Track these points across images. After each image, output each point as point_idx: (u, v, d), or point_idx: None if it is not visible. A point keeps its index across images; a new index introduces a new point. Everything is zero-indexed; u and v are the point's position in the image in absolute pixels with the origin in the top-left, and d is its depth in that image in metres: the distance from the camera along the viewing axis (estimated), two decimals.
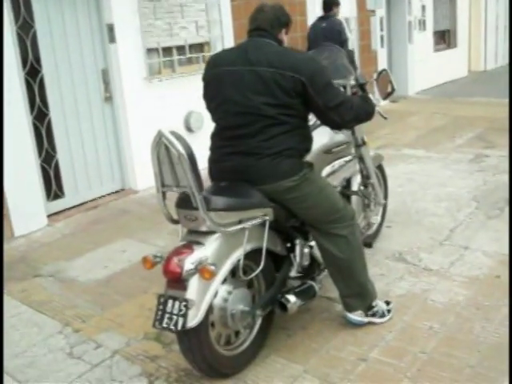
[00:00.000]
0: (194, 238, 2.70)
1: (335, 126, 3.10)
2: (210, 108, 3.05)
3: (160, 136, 2.49)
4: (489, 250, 4.11)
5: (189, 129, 6.56)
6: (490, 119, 8.81)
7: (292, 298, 3.02)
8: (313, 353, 3.04)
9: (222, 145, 2.95)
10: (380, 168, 4.37)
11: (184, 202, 2.64)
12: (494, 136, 7.63)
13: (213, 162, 3.00)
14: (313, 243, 3.21)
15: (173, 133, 2.50)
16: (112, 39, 5.80)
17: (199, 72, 6.62)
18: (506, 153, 6.68)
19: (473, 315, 3.29)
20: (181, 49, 6.59)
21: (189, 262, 2.55)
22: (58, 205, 5.56)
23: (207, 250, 2.62)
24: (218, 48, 6.85)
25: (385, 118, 3.81)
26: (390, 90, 3.59)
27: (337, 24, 7.64)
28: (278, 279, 3.04)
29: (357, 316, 3.20)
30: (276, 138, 2.81)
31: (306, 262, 3.22)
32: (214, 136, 3.02)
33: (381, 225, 4.39)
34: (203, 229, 2.66)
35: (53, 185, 5.52)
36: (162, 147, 2.51)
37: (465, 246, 4.19)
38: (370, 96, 3.27)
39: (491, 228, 4.52)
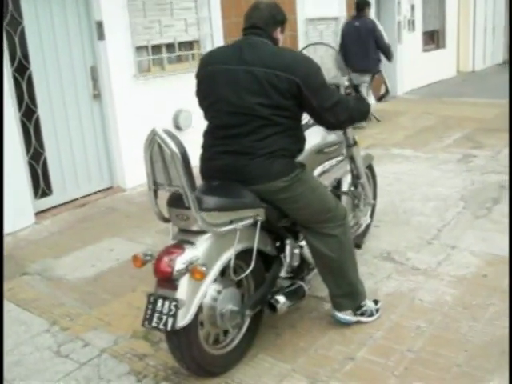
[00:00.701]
0: (185, 237, 2.68)
1: (330, 126, 3.07)
2: (202, 106, 3.03)
3: (153, 134, 2.48)
4: (476, 249, 4.13)
5: (178, 127, 6.54)
6: (478, 120, 8.86)
7: (281, 298, 3.02)
8: (301, 352, 3.05)
9: (214, 143, 2.93)
10: (370, 168, 4.38)
11: (176, 201, 2.62)
12: (482, 136, 7.68)
13: (204, 160, 2.98)
14: (303, 243, 3.20)
15: (166, 131, 2.49)
16: (101, 36, 5.77)
17: (188, 70, 6.70)
18: (494, 153, 6.74)
19: (460, 314, 3.31)
20: (170, 47, 6.58)
21: (180, 262, 2.54)
22: (45, 202, 5.53)
23: (198, 250, 2.61)
24: (207, 46, 6.86)
25: (378, 121, 3.81)
26: (383, 91, 3.59)
27: (369, 23, 8.35)
28: (268, 279, 3.04)
29: (345, 315, 3.21)
30: (269, 139, 2.79)
31: (296, 263, 3.22)
32: (207, 134, 3.00)
33: (369, 225, 4.40)
34: (194, 228, 2.64)
35: (40, 182, 5.49)
36: (155, 145, 2.50)
37: (452, 246, 4.21)
38: (364, 96, 3.27)
39: (478, 228, 4.55)
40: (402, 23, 11.63)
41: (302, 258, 3.25)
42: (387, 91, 3.57)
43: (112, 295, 3.80)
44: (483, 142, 7.35)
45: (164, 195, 2.72)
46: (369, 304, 3.28)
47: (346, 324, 3.22)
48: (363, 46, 8.14)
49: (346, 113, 2.94)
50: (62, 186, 5.70)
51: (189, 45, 6.86)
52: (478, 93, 11.53)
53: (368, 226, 4.34)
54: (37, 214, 5.34)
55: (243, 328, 2.99)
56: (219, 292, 2.77)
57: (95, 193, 6.00)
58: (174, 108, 6.55)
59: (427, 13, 13.06)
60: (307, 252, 3.18)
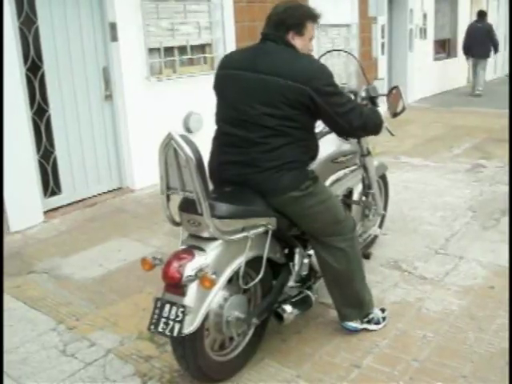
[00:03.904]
0: (195, 242, 2.65)
1: (344, 132, 3.04)
2: (216, 107, 2.99)
3: (169, 138, 2.44)
4: (483, 260, 4.12)
5: (188, 129, 6.56)
6: (487, 129, 8.85)
7: (288, 308, 3.00)
8: (306, 358, 3.05)
9: (221, 151, 2.91)
10: (383, 178, 4.37)
11: (188, 206, 2.60)
12: (492, 147, 7.67)
13: (212, 168, 2.92)
14: (311, 252, 3.18)
15: (183, 136, 2.45)
16: (114, 38, 5.80)
17: (200, 73, 6.74)
18: (503, 164, 6.72)
19: (466, 325, 3.30)
20: (182, 49, 6.60)
21: (189, 268, 2.51)
22: (54, 201, 5.55)
23: (208, 257, 2.58)
24: (219, 50, 6.88)
25: (392, 135, 3.78)
26: (400, 108, 3.57)
27: (487, 25, 12.38)
28: (275, 287, 3.02)
29: (352, 323, 3.20)
30: (277, 151, 2.75)
31: (305, 272, 3.20)
32: (215, 140, 2.98)
33: (377, 235, 4.36)
34: (205, 234, 2.62)
35: (50, 181, 5.52)
36: (170, 149, 2.46)
37: (460, 256, 4.20)
38: (380, 111, 3.23)
39: (486, 238, 4.54)
40: (414, 31, 11.62)
41: (310, 267, 3.22)
42: (404, 108, 3.55)
43: (119, 295, 3.81)
44: (492, 153, 7.33)
45: (176, 199, 2.72)
46: (376, 312, 3.28)
47: (352, 331, 3.22)
48: (482, 40, 12.05)
49: (359, 119, 2.87)
50: (72, 186, 5.72)
51: (201, 48, 6.87)
52: (488, 103, 11.50)
53: (376, 236, 4.31)
54: (46, 212, 5.37)
55: (248, 335, 2.97)
56: (226, 299, 2.75)
57: (104, 193, 6.02)
58: (184, 110, 6.57)
59: (439, 21, 13.06)
60: (315, 261, 3.16)
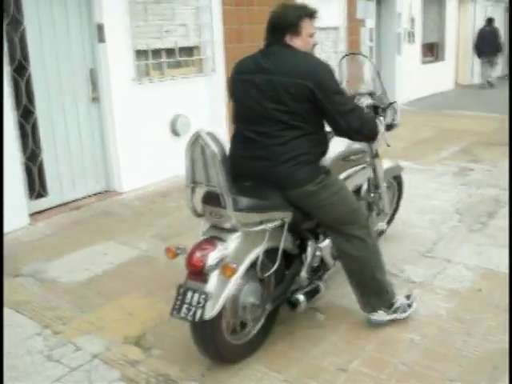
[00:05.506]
0: (217, 233, 2.85)
1: (341, 132, 3.08)
2: (232, 109, 3.22)
3: (197, 136, 2.66)
4: (470, 263, 4.13)
5: (175, 132, 6.52)
6: (475, 133, 8.89)
7: (301, 297, 3.18)
8: (294, 362, 3.03)
9: (239, 147, 3.08)
10: (397, 178, 4.54)
11: (211, 199, 2.80)
12: (479, 150, 7.70)
13: (233, 164, 2.95)
14: (323, 245, 3.36)
15: (209, 134, 2.66)
16: (101, 39, 5.76)
17: (188, 76, 6.71)
18: (491, 167, 6.75)
19: (454, 329, 3.30)
20: (170, 51, 6.56)
21: (212, 258, 2.70)
22: (40, 204, 5.50)
23: (229, 247, 2.78)
24: (207, 52, 6.85)
25: (388, 146, 3.86)
26: (394, 121, 3.70)
27: (496, 29, 14.56)
28: (288, 277, 3.22)
29: (379, 316, 3.28)
30: (290, 143, 2.92)
31: (316, 264, 3.37)
32: (233, 138, 3.16)
33: (383, 231, 4.44)
34: (227, 226, 2.81)
35: (36, 183, 5.47)
36: (197, 147, 2.67)
37: (447, 259, 4.21)
38: (378, 121, 3.36)
39: (473, 242, 4.55)
40: (402, 35, 11.66)
41: (321, 259, 3.39)
42: (396, 123, 3.71)
43: (105, 299, 3.78)
44: (480, 156, 7.36)
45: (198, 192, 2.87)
46: (400, 300, 3.36)
47: (379, 325, 3.28)
48: (490, 41, 14.27)
49: (358, 121, 2.99)
50: (58, 188, 5.67)
51: (189, 50, 6.84)
52: (476, 106, 11.56)
53: (383, 232, 4.39)
54: (31, 215, 5.32)
55: (261, 321, 3.12)
56: (243, 285, 2.93)
57: (91, 196, 5.98)
58: (171, 113, 6.53)
59: (427, 25, 13.12)
60: (326, 253, 3.36)
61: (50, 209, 5.57)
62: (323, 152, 3.11)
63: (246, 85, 3.01)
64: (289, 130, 2.92)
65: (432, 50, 13.93)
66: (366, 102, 3.62)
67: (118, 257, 4.41)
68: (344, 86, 3.64)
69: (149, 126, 6.32)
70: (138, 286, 3.94)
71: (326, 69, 2.94)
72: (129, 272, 4.19)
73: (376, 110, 3.63)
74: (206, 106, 6.85)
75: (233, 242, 2.80)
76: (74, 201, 5.80)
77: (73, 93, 5.70)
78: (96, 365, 3.04)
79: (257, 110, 2.95)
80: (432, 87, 13.34)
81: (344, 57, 3.91)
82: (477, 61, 15.21)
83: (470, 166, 6.86)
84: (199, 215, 2.94)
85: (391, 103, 3.70)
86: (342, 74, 3.80)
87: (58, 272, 4.21)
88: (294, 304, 3.17)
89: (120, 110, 6.01)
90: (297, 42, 2.99)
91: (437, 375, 2.88)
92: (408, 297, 3.45)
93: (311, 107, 2.90)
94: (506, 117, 9.07)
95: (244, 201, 2.78)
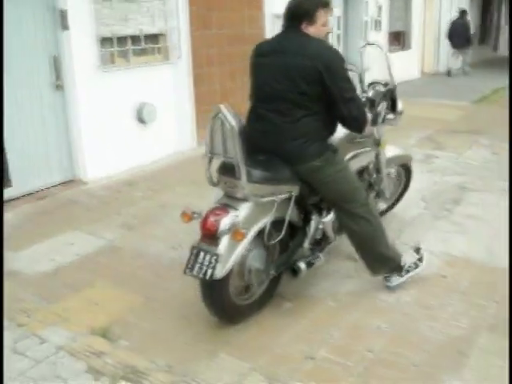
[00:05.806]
0: (230, 202, 3.10)
1: (340, 118, 3.25)
2: (250, 88, 3.40)
3: (217, 112, 2.92)
4: (436, 250, 4.18)
5: (141, 120, 6.44)
6: (440, 121, 8.99)
7: (303, 265, 3.43)
8: (261, 350, 3.04)
9: (254, 123, 3.26)
10: (405, 167, 4.71)
11: (226, 170, 3.08)
12: (444, 137, 7.79)
13: (248, 138, 3.12)
14: (326, 219, 3.57)
15: (229, 110, 2.92)
16: (65, 26, 5.64)
17: (154, 63, 6.63)
18: (456, 155, 6.85)
19: (419, 314, 3.35)
20: (136, 39, 6.46)
21: (224, 223, 2.94)
22: (4, 194, 5.39)
23: (240, 214, 3.02)
24: (173, 39, 6.77)
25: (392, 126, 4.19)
26: (386, 117, 4.03)
27: (467, 22, 14.97)
28: (292, 246, 3.46)
29: (394, 281, 3.58)
30: (300, 121, 3.15)
31: (319, 237, 3.61)
32: (249, 114, 3.35)
33: (384, 211, 4.72)
34: (239, 195, 3.07)
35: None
36: (218, 121, 2.94)
37: (413, 246, 4.24)
38: (369, 115, 3.55)
39: (439, 228, 4.61)
40: (369, 23, 11.70)
41: (323, 232, 3.62)
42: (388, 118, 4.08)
43: (71, 290, 3.73)
44: (445, 143, 7.45)
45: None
46: (408, 259, 3.65)
47: (396, 288, 3.56)
48: (462, 34, 14.64)
49: (357, 110, 3.21)
50: (22, 178, 5.56)
51: (155, 37, 6.75)
52: (441, 94, 11.69)
53: (382, 213, 4.60)
54: None
55: (264, 285, 3.37)
56: (250, 251, 3.18)
57: (56, 185, 5.88)
58: (137, 101, 6.44)
59: (393, 14, 13.18)
60: (328, 227, 3.60)
61: (15, 199, 5.47)
62: (331, 132, 3.32)
63: (262, 66, 3.27)
64: (299, 109, 3.13)
65: (398, 39, 14.02)
66: (370, 92, 3.90)
67: (84, 247, 4.36)
68: (363, 73, 4.01)
69: (114, 114, 6.23)
70: (105, 276, 3.90)
71: (336, 54, 3.17)
72: (95, 262, 4.14)
73: (372, 102, 3.83)
74: (172, 94, 6.78)
75: (244, 210, 3.05)
76: (38, 191, 5.70)
77: (36, 81, 5.58)
78: (62, 357, 3.01)
79: (270, 89, 3.18)
80: (398, 75, 13.41)
81: (364, 46, 4.21)
82: (443, 50, 15.38)
83: (436, 154, 6.94)
84: (214, 184, 3.20)
85: (383, 99, 3.95)
86: (362, 62, 4.10)
87: (23, 263, 4.14)
88: (295, 271, 3.41)
89: (84, 98, 5.91)
90: (311, 30, 3.19)
91: (403, 361, 2.92)
92: (417, 251, 3.75)
93: (321, 89, 3.08)
94: (469, 104, 9.19)
95: (257, 173, 3.04)
